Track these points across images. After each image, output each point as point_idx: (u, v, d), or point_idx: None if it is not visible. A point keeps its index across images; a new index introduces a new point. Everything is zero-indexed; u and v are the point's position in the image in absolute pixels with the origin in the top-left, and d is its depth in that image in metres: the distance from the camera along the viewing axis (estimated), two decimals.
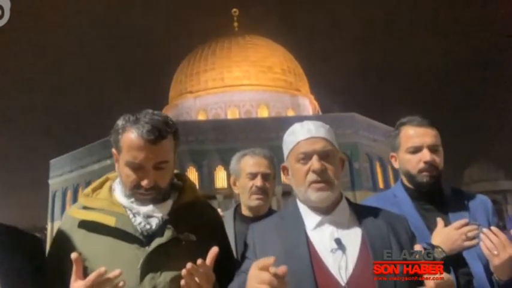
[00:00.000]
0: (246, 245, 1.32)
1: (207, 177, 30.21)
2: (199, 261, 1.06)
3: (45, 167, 39.46)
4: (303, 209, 1.30)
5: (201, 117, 38.67)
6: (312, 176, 1.24)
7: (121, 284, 1.05)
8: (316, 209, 1.27)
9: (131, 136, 1.20)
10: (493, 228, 1.32)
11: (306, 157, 1.26)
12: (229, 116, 37.61)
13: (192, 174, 30.16)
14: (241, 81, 39.32)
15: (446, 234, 1.43)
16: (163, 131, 1.21)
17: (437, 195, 1.66)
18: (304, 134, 1.29)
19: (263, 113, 38.42)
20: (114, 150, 1.27)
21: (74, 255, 1.06)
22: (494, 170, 39.91)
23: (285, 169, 1.35)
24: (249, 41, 41.81)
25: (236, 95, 38.89)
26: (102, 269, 1.03)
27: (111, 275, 1.04)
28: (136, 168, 1.21)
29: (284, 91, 40.04)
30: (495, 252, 1.28)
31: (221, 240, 1.35)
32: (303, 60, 44.59)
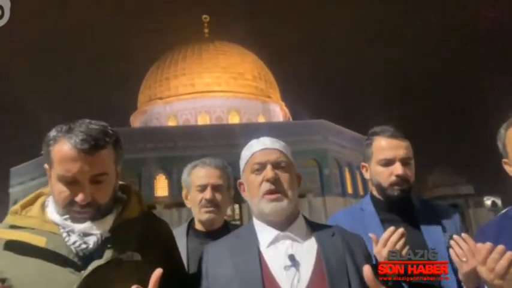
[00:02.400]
0: (200, 270, 1.26)
1: (177, 185, 29.73)
2: (133, 287, 0.96)
3: (5, 175, 37.66)
4: (259, 225, 1.27)
5: (171, 123, 38.16)
6: (265, 186, 1.23)
7: None
8: (272, 224, 1.24)
9: (63, 147, 1.08)
10: (463, 235, 1.31)
11: (260, 167, 1.25)
12: (200, 122, 37.33)
13: (161, 182, 29.64)
14: (212, 87, 39.17)
15: (377, 253, 1.35)
16: (100, 141, 1.10)
17: (407, 208, 1.64)
18: (259, 146, 1.30)
19: (234, 120, 38.39)
20: (46, 165, 1.15)
21: None
22: (456, 175, 41.61)
23: (241, 184, 1.34)
24: (219, 47, 41.79)
25: (207, 101, 38.67)
26: None
27: None
28: (70, 182, 1.09)
29: (255, 97, 40.21)
30: (464, 259, 1.27)
31: (171, 258, 1.26)
32: (273, 66, 45.06)
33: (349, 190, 32.65)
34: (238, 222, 27.54)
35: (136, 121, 41.55)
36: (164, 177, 29.62)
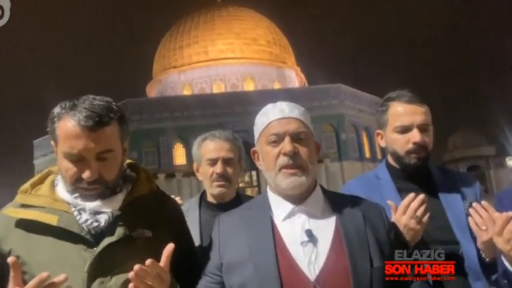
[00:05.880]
0: (211, 241, 1.23)
1: None
2: (148, 261, 0.96)
3: (30, 148, 38.80)
4: (273, 198, 1.21)
5: (186, 92, 38.13)
6: (282, 160, 1.14)
7: None
8: (287, 197, 1.18)
9: (67, 124, 1.07)
10: (483, 203, 1.27)
11: (278, 139, 1.16)
12: (215, 90, 37.17)
13: (180, 151, 30.04)
14: (226, 54, 38.64)
15: (396, 221, 1.30)
16: (104, 117, 1.08)
17: (425, 176, 1.58)
18: (276, 114, 1.19)
19: (249, 87, 38.05)
20: (52, 142, 1.14)
21: (10, 259, 0.94)
22: (477, 136, 40.71)
23: (255, 153, 1.26)
24: (232, 12, 40.84)
25: (221, 68, 38.30)
26: (44, 274, 0.92)
27: (55, 279, 0.93)
28: (76, 159, 1.08)
29: (269, 63, 39.56)
30: (483, 228, 1.24)
31: (181, 235, 1.26)
32: (288, 31, 43.92)
33: (367, 154, 32.44)
34: (256, 189, 27.94)
35: (152, 91, 41.68)
36: (182, 146, 29.94)
